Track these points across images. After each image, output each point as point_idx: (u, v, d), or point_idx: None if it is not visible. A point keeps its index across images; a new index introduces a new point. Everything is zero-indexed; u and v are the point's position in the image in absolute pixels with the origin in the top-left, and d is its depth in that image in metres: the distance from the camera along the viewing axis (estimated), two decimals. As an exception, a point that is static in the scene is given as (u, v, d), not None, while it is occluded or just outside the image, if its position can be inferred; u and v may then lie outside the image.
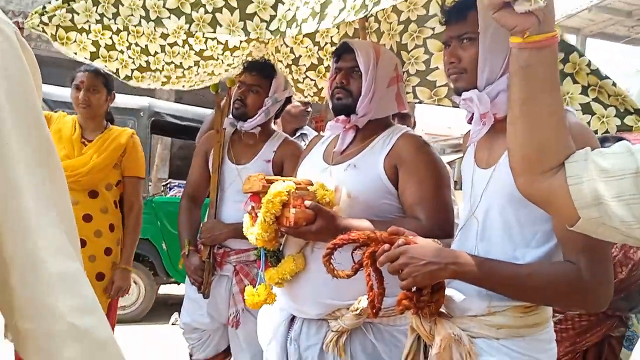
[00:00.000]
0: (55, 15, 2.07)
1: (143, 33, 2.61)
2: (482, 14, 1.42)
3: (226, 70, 2.97)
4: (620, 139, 1.97)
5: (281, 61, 2.89)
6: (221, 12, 1.86)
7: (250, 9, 1.86)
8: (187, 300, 2.70)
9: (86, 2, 1.99)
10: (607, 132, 2.04)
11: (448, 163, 5.79)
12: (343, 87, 1.96)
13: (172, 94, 10.90)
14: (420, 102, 2.54)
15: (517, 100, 1.11)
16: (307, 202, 1.73)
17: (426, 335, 1.45)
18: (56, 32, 2.35)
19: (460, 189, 1.66)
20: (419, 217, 1.80)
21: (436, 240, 1.42)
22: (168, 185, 6.64)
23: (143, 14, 1.93)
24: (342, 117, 1.96)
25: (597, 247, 1.25)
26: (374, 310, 1.46)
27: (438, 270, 1.32)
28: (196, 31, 1.88)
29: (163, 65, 2.75)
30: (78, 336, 0.73)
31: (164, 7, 1.90)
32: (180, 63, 2.77)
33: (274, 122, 3.13)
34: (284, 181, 1.79)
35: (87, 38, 2.53)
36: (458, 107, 1.62)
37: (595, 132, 2.01)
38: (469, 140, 1.57)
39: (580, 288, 1.27)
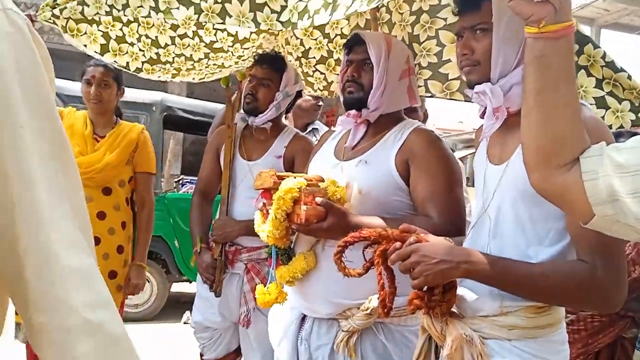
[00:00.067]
0: (66, 7, 2.07)
1: (153, 24, 2.60)
2: (496, 4, 1.40)
3: (236, 63, 2.96)
4: (635, 133, 1.93)
5: (291, 53, 2.87)
6: (230, 3, 1.84)
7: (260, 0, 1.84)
8: (198, 299, 2.70)
9: None
10: (621, 126, 2.00)
11: (460, 159, 5.75)
12: (354, 80, 1.93)
13: (184, 89, 10.92)
14: (431, 96, 2.51)
15: (532, 91, 1.09)
16: (318, 199, 1.72)
17: (437, 336, 1.43)
18: (66, 24, 2.34)
19: (473, 185, 1.64)
20: (431, 214, 1.78)
21: (448, 238, 1.40)
22: (180, 182, 6.65)
23: (152, 4, 1.92)
24: (353, 111, 1.94)
25: (611, 245, 1.23)
26: (385, 310, 1.44)
27: (450, 269, 1.31)
28: (205, 22, 1.86)
29: (173, 58, 2.75)
30: (91, 330, 0.74)
31: None
32: (190, 55, 2.76)
33: (285, 117, 3.11)
34: (295, 177, 1.77)
35: (98, 29, 2.52)
36: (470, 101, 1.59)
37: (610, 126, 1.98)
38: (482, 135, 1.55)
39: (593, 288, 1.25)
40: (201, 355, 2.75)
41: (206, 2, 1.85)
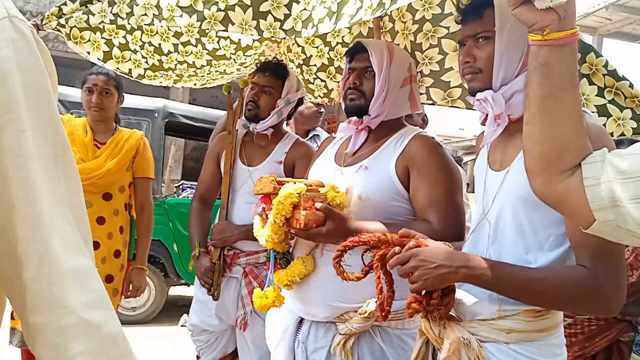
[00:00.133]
0: (72, 17, 2.08)
1: (157, 32, 2.62)
2: (499, 12, 1.41)
3: (238, 70, 2.97)
4: (635, 141, 1.93)
5: (292, 61, 2.88)
6: (234, 10, 1.85)
7: (263, 8, 1.84)
8: (195, 302, 2.70)
9: (102, 3, 2.00)
10: (622, 134, 2.00)
11: (462, 164, 5.76)
12: (356, 88, 1.94)
13: (186, 95, 10.96)
14: (433, 104, 2.52)
15: (535, 98, 1.09)
16: (318, 204, 1.72)
17: (435, 339, 1.44)
18: (70, 32, 2.36)
19: (473, 191, 1.64)
20: (430, 220, 1.78)
21: (447, 243, 1.40)
22: (181, 187, 6.66)
23: (156, 12, 1.92)
24: (354, 118, 1.95)
25: (610, 251, 1.23)
26: (384, 314, 1.44)
27: (449, 273, 1.31)
28: (207, 29, 1.87)
29: (176, 65, 2.76)
30: (89, 331, 0.74)
31: (177, 5, 1.90)
32: (193, 62, 2.77)
33: (287, 124, 3.12)
34: (294, 183, 1.77)
35: (101, 37, 2.54)
36: (471, 109, 1.60)
37: (611, 134, 1.98)
38: (483, 142, 1.56)
39: (592, 293, 1.25)
40: (198, 358, 2.74)
41: (209, 9, 1.86)
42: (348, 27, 2.57)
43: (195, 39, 2.70)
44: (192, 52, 2.73)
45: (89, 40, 2.49)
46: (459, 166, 2.04)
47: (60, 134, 0.81)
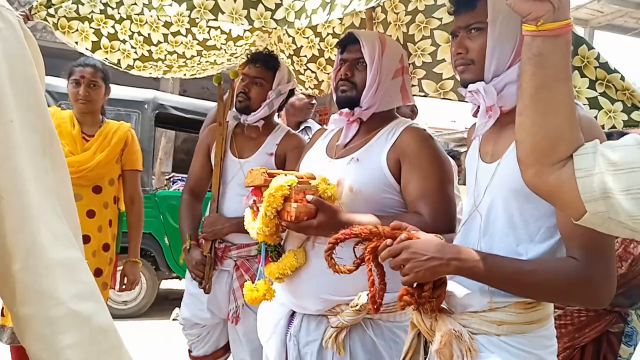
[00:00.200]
0: (61, 7, 2.06)
1: (146, 22, 2.59)
2: (492, 3, 1.40)
3: (229, 60, 2.95)
4: (625, 134, 1.94)
5: (283, 51, 2.86)
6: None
7: None
8: (187, 296, 2.69)
9: None
10: (614, 127, 2.01)
11: (457, 157, 5.76)
12: (348, 79, 1.93)
13: (176, 87, 10.90)
14: (425, 96, 2.51)
15: (528, 89, 1.09)
16: (309, 197, 1.72)
17: (427, 331, 1.44)
18: (58, 21, 2.32)
19: (464, 183, 1.64)
20: (422, 212, 1.78)
21: (439, 235, 1.40)
22: (171, 179, 6.63)
23: (146, 1, 1.90)
24: (345, 110, 1.94)
25: (601, 243, 1.24)
26: (375, 306, 1.44)
27: (440, 265, 1.31)
28: (197, 18, 1.84)
29: (165, 55, 2.74)
30: (78, 322, 0.74)
31: None
32: (183, 52, 2.75)
33: (278, 115, 3.10)
34: (285, 175, 1.76)
35: (90, 27, 2.51)
36: (463, 101, 1.59)
37: (603, 127, 1.98)
38: (474, 134, 1.55)
39: (583, 284, 1.25)
40: (190, 351, 2.74)
41: None
42: (339, 18, 2.56)
43: (186, 29, 2.68)
44: (182, 43, 2.71)
45: (76, 30, 2.46)
46: (450, 159, 2.03)
47: (48, 125, 0.80)
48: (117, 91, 3.09)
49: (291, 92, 2.73)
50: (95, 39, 2.55)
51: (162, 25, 2.63)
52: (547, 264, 1.30)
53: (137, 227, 3.07)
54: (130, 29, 2.61)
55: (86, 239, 2.74)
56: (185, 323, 2.67)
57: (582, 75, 1.97)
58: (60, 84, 4.87)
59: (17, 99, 0.75)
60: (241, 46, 2.84)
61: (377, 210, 1.81)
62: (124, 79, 3.04)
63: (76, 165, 2.74)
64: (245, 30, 2.75)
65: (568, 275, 1.25)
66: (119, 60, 2.69)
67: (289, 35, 2.77)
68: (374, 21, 2.44)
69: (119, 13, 2.00)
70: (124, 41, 2.63)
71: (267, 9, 1.80)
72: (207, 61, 2.89)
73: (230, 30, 2.74)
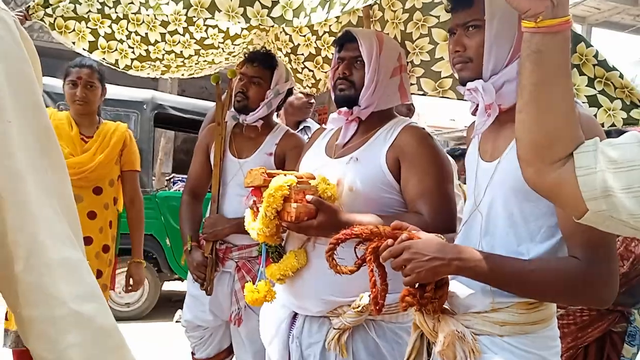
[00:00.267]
0: (58, 6, 2.05)
1: (143, 21, 2.58)
2: (489, 0, 1.39)
3: (226, 59, 2.94)
4: (623, 132, 1.93)
5: (280, 49, 2.85)
6: None
7: None
8: (189, 297, 2.68)
9: None
10: (613, 125, 2.00)
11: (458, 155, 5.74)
12: (346, 78, 1.92)
13: (175, 87, 10.88)
14: (424, 94, 2.51)
15: (528, 86, 1.08)
16: (309, 197, 1.71)
17: (429, 332, 1.43)
18: (54, 21, 2.32)
19: (465, 182, 1.63)
20: (422, 211, 1.78)
21: (439, 235, 1.40)
22: (172, 180, 6.62)
23: (143, 0, 1.90)
24: (344, 109, 1.93)
25: (602, 242, 1.23)
26: (377, 307, 1.44)
27: (442, 265, 1.30)
28: (194, 16, 1.84)
29: (163, 55, 2.73)
30: (80, 322, 0.74)
31: None
32: (181, 52, 2.75)
33: (277, 115, 3.09)
34: (285, 175, 1.76)
35: (87, 27, 2.50)
36: (462, 99, 1.59)
37: (602, 125, 1.98)
38: (473, 132, 1.55)
39: (585, 284, 1.25)
40: (192, 354, 2.73)
41: None
42: (336, 16, 2.55)
43: (183, 28, 2.67)
44: (179, 42, 2.70)
45: (73, 30, 2.46)
46: (451, 158, 2.03)
47: (46, 125, 0.80)
48: (116, 91, 3.09)
49: (289, 92, 2.72)
50: (93, 39, 2.55)
51: (160, 25, 2.62)
52: (548, 264, 1.29)
53: (138, 227, 3.07)
54: (127, 29, 2.60)
55: (88, 241, 2.74)
56: (188, 325, 2.66)
57: (581, 73, 1.96)
58: (58, 84, 4.85)
59: (14, 99, 0.74)
60: (239, 45, 2.83)
61: (377, 209, 1.80)
62: (122, 79, 3.03)
63: (77, 166, 2.73)
64: (242, 29, 2.74)
65: (570, 275, 1.25)
66: (116, 60, 2.68)
67: (286, 34, 2.77)
68: (371, 19, 2.43)
69: (115, 12, 2.00)
70: (121, 41, 2.62)
71: (263, 6, 1.80)
72: (205, 60, 2.88)
73: (227, 28, 2.73)
